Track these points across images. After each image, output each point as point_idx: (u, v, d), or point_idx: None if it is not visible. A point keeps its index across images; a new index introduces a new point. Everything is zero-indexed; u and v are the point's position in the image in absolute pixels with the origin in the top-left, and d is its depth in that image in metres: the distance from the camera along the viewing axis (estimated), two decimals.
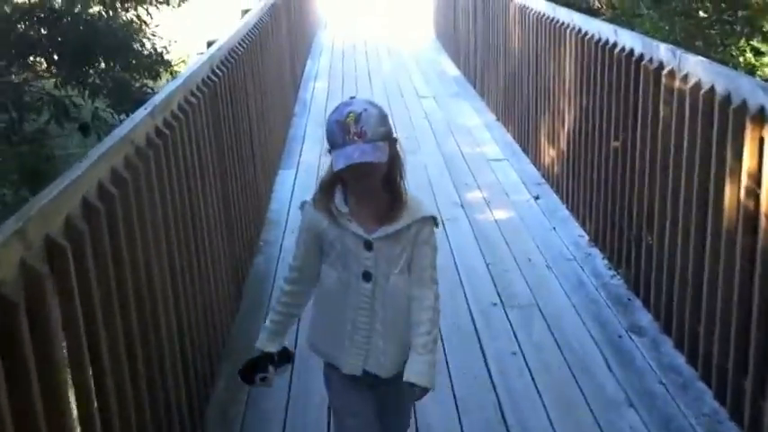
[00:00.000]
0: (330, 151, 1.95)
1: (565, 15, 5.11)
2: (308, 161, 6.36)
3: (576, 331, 3.63)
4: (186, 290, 2.89)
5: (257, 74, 5.23)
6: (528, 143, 6.28)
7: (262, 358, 2.18)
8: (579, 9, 6.24)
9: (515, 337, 3.61)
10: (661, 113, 3.49)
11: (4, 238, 1.49)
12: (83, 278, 1.83)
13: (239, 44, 4.83)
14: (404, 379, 2.01)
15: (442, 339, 3.55)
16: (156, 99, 2.98)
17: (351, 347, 2.08)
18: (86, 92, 5.00)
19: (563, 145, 5.26)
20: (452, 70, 10.07)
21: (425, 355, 2.03)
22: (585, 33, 4.61)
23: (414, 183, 5.80)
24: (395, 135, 2.02)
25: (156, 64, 5.59)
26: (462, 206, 5.32)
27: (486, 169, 6.08)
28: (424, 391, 2.04)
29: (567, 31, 4.95)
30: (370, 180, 1.97)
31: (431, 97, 8.64)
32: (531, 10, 5.96)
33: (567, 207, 5.15)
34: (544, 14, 5.59)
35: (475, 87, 8.79)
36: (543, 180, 5.73)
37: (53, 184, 1.83)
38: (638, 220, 3.85)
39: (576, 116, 4.87)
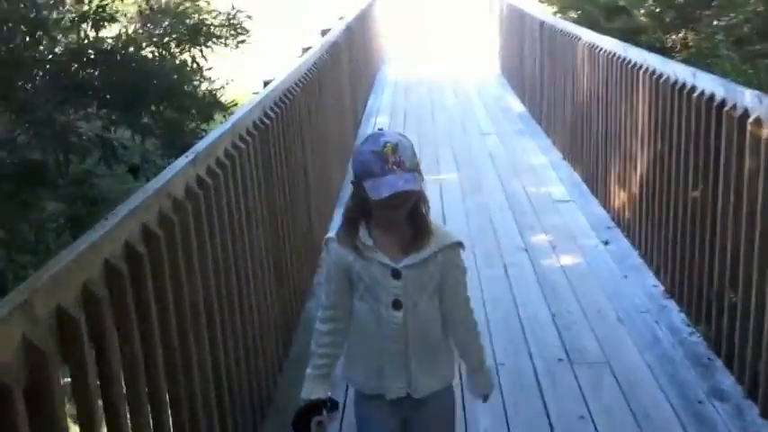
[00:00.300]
0: (359, 182, 1.97)
1: (637, 55, 4.84)
2: None
3: (652, 394, 3.32)
4: (227, 342, 2.73)
5: (314, 113, 5.10)
6: (596, 184, 5.98)
7: (313, 405, 2.13)
8: (651, 48, 5.96)
9: (584, 398, 3.32)
10: (746, 165, 3.19)
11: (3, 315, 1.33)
12: (102, 358, 1.67)
13: (296, 84, 4.71)
14: (471, 392, 2.32)
15: (502, 397, 3.31)
16: (201, 145, 2.85)
17: (392, 373, 2.10)
18: (138, 134, 4.97)
19: (635, 189, 4.95)
20: (517, 106, 9.83)
21: (483, 369, 2.28)
22: (660, 75, 4.33)
23: (475, 225, 5.62)
24: (420, 169, 2.04)
25: (210, 106, 5.53)
26: (526, 250, 5.06)
27: (552, 211, 5.80)
28: (489, 396, 2.33)
29: (640, 73, 4.68)
30: (402, 210, 2.00)
31: (494, 134, 8.41)
32: (601, 49, 5.70)
33: (640, 254, 4.83)
34: (615, 54, 5.33)
35: (540, 125, 8.53)
36: (613, 224, 5.42)
37: (70, 246, 1.68)
38: (719, 275, 3.53)
39: (650, 160, 4.57)
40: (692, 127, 3.84)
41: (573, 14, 9.27)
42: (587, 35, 6.29)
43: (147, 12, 5.74)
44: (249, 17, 6.66)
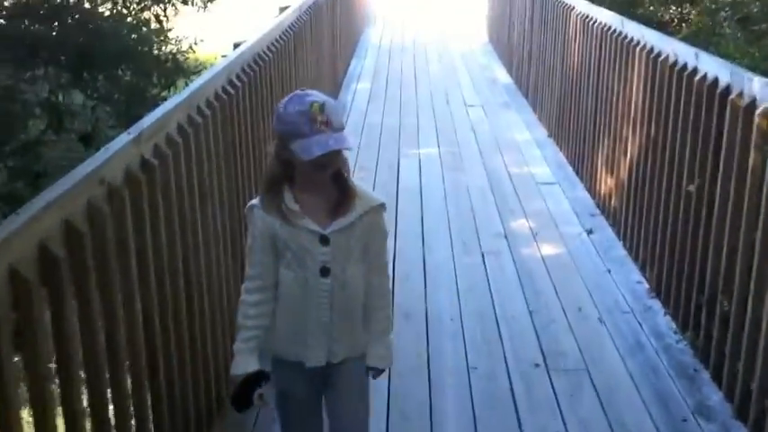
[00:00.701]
0: (285, 143, 1.92)
1: (635, 31, 4.52)
2: None
3: (633, 408, 3.08)
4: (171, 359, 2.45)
5: (288, 80, 4.76)
6: (582, 166, 5.71)
7: (250, 378, 2.06)
8: (647, 22, 5.64)
9: (560, 410, 3.07)
10: (751, 160, 2.92)
11: None
12: None
13: (268, 48, 4.36)
14: (367, 364, 2.14)
15: (472, 406, 3.07)
16: (147, 120, 2.52)
17: (313, 342, 2.06)
18: (91, 99, 4.56)
19: (623, 174, 4.68)
20: (504, 77, 9.49)
21: (385, 339, 2.16)
22: (659, 54, 4.03)
23: (454, 206, 5.31)
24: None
25: (171, 71, 5.05)
26: (506, 237, 4.79)
27: (535, 194, 5.53)
28: (382, 371, 2.20)
29: (637, 50, 4.37)
30: (329, 170, 1.96)
31: (479, 106, 8.09)
32: (596, 21, 5.38)
33: (625, 246, 4.58)
34: (610, 27, 5.01)
35: (527, 98, 8.21)
36: (598, 211, 5.16)
37: None
38: (712, 279, 3.28)
39: (642, 145, 4.29)
40: (692, 113, 3.56)
41: None
42: (581, 5, 5.96)
43: None
44: None
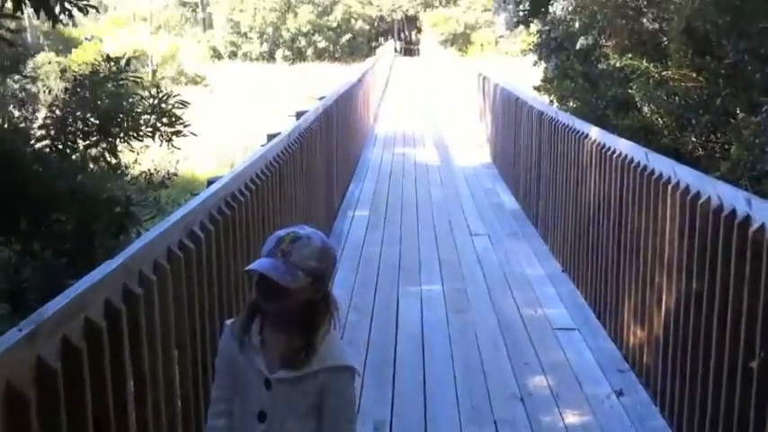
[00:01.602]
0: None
1: (664, 166, 3.99)
2: None
3: None
4: None
5: (268, 221, 4.19)
6: (605, 311, 5.06)
7: None
8: (667, 152, 5.15)
9: None
10: None
11: None
12: None
13: (246, 186, 3.82)
14: None
15: None
16: (47, 310, 1.89)
17: None
18: (16, 256, 3.96)
19: (658, 327, 4.03)
20: (510, 202, 8.99)
21: None
22: (697, 195, 3.47)
23: (461, 359, 4.55)
24: (329, 285, 1.94)
25: (119, 216, 4.45)
26: (522, 400, 4.09)
27: (553, 343, 4.86)
28: None
29: (669, 188, 3.82)
30: (276, 305, 1.88)
31: (485, 235, 7.52)
32: (615, 152, 4.87)
33: (663, 413, 3.88)
34: (632, 160, 4.49)
35: (536, 226, 7.66)
36: (626, 365, 4.48)
37: None
38: None
39: (680, 297, 3.66)
40: (747, 268, 2.96)
41: (571, 104, 8.53)
42: (596, 133, 5.48)
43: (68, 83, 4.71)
44: (184, 104, 5.54)
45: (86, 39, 41.04)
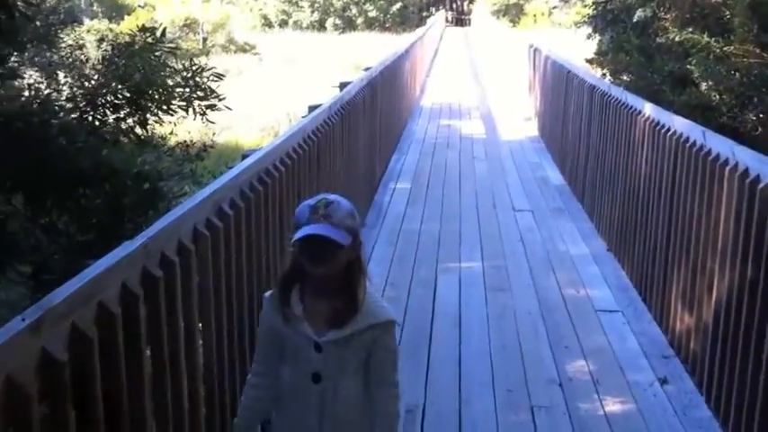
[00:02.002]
0: (292, 235, 1.94)
1: (723, 147, 3.76)
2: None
3: None
4: None
5: (305, 195, 4.10)
6: (651, 293, 4.87)
7: None
8: (723, 129, 4.89)
9: None
10: None
11: None
12: None
13: (281, 160, 3.72)
14: None
15: None
16: (95, 269, 1.83)
17: None
18: (43, 231, 3.88)
19: (707, 314, 3.84)
20: (556, 178, 8.75)
21: None
22: (757, 179, 3.25)
23: (498, 341, 4.40)
24: (360, 239, 2.01)
25: (146, 196, 4.27)
26: (561, 385, 3.95)
27: (595, 326, 4.69)
28: None
29: (726, 170, 3.61)
30: (327, 268, 1.94)
31: (528, 211, 7.33)
32: (669, 130, 4.64)
33: (709, 404, 3.71)
34: (687, 139, 4.26)
35: (582, 203, 7.44)
36: (672, 352, 4.30)
37: None
38: None
39: (735, 285, 3.47)
40: None
41: (625, 78, 8.22)
42: (650, 110, 5.23)
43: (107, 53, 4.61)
44: (219, 76, 5.36)
45: (139, 6, 41.36)
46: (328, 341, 1.99)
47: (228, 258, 2.77)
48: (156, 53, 4.84)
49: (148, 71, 4.50)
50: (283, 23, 50.86)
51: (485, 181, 8.56)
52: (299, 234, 1.90)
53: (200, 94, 4.94)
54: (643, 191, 5.20)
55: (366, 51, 32.05)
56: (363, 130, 6.69)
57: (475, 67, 23.58)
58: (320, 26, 50.47)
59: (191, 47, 31.96)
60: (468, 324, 4.71)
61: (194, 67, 5.14)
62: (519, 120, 13.12)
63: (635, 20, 6.26)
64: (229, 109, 5.51)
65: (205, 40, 32.65)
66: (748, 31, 4.43)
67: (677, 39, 5.44)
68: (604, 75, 9.87)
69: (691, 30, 5.13)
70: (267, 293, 2.11)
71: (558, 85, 9.69)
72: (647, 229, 5.06)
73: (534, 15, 46.56)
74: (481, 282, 5.43)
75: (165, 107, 4.61)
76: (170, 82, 4.74)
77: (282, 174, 3.61)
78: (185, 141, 5.40)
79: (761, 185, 3.22)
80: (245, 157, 3.72)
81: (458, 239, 6.37)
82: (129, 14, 36.25)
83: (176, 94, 4.69)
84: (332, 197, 1.99)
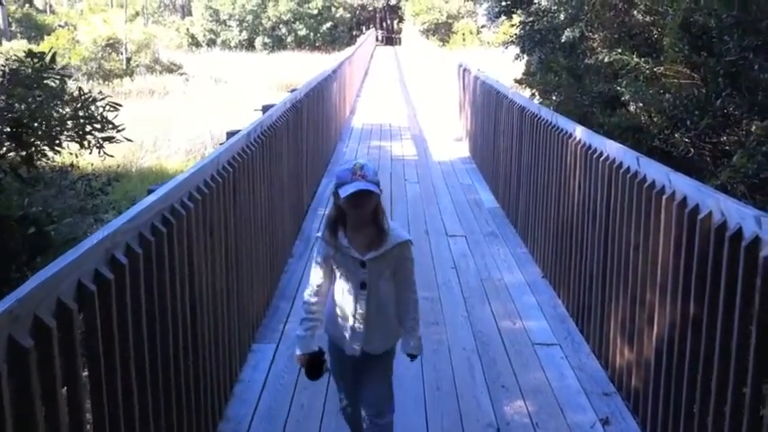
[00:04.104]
0: (337, 191, 2.80)
1: (658, 174, 3.60)
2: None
3: None
4: None
5: (218, 229, 3.76)
6: (589, 324, 4.69)
7: (315, 356, 2.97)
8: (652, 151, 4.76)
9: None
10: None
11: None
12: None
13: (198, 190, 3.39)
14: (403, 351, 3.05)
15: None
16: None
17: (352, 336, 2.95)
18: None
19: (648, 349, 3.66)
20: (489, 200, 8.60)
21: (415, 334, 3.03)
22: (696, 209, 3.09)
23: (431, 383, 4.01)
24: (381, 188, 2.84)
25: (34, 244, 3.72)
26: (498, 430, 3.70)
27: (533, 361, 4.48)
28: (416, 356, 3.08)
29: (663, 199, 3.44)
30: (365, 209, 2.82)
31: (461, 237, 7.13)
32: (602, 155, 4.48)
33: None
34: (622, 164, 4.10)
35: (516, 227, 7.28)
36: (612, 388, 4.12)
37: None
38: None
39: (677, 319, 3.29)
40: (756, 296, 2.59)
41: (554, 98, 8.13)
42: (581, 133, 5.09)
43: None
44: (115, 106, 4.84)
45: (60, 26, 40.09)
46: (370, 258, 2.85)
47: (123, 321, 2.42)
48: (46, 80, 4.38)
49: (32, 102, 4.05)
50: (211, 43, 50.16)
51: (417, 205, 8.34)
52: (351, 188, 2.73)
53: (97, 125, 4.51)
54: (577, 217, 5.04)
55: (295, 71, 31.78)
56: (288, 155, 6.37)
57: (405, 87, 23.54)
58: (249, 45, 49.96)
59: (114, 67, 31.11)
60: (400, 361, 4.42)
61: (85, 97, 4.67)
62: (450, 140, 13.02)
63: (563, 40, 6.16)
64: (129, 140, 5.08)
65: (129, 60, 31.79)
66: (679, 51, 4.32)
67: (606, 59, 5.32)
68: (533, 95, 9.82)
69: (620, 50, 5.01)
70: (318, 233, 2.96)
71: (489, 106, 9.59)
72: (582, 256, 4.90)
73: (463, 34, 47.11)
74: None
75: (53, 142, 4.15)
76: (58, 113, 4.29)
77: (191, 211, 3.28)
78: (88, 174, 4.93)
79: (701, 216, 3.06)
80: (150, 192, 3.38)
81: None
82: (49, 34, 35.11)
83: (67, 127, 4.24)
84: (361, 161, 2.82)
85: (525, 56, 8.75)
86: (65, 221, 4.16)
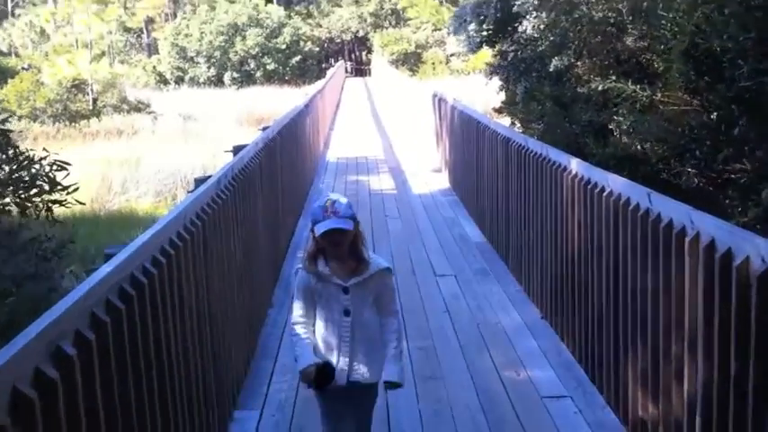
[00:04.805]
0: (313, 229, 2.93)
1: (676, 213, 3.24)
2: (281, 395, 4.38)
3: None
4: None
5: (194, 288, 3.34)
6: (601, 373, 4.30)
7: (321, 368, 2.95)
8: (666, 183, 4.44)
9: None
10: None
11: None
12: None
13: (163, 251, 2.97)
14: (384, 379, 3.02)
15: None
16: None
17: (339, 365, 2.96)
18: None
19: (678, 406, 3.28)
20: (475, 234, 8.24)
21: (398, 362, 3.05)
22: (729, 254, 2.73)
23: None
24: (357, 219, 2.99)
25: None
26: None
27: (544, 418, 4.07)
28: (398, 386, 3.06)
29: (687, 241, 3.08)
30: (341, 245, 2.92)
31: (451, 276, 6.74)
32: (604, 190, 4.13)
33: None
34: (630, 201, 3.74)
35: (507, 263, 6.91)
36: None
37: None
38: None
39: (713, 378, 2.91)
40: None
41: (538, 127, 7.83)
42: (577, 166, 4.75)
43: None
44: (64, 165, 4.33)
45: (23, 68, 39.43)
46: (353, 284, 2.92)
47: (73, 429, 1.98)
48: None
49: None
50: (179, 80, 49.72)
51: (400, 242, 7.95)
52: (323, 228, 2.85)
53: (45, 187, 4.05)
54: (579, 256, 4.68)
55: (266, 105, 31.44)
56: (263, 198, 5.96)
57: (378, 118, 23.27)
58: (218, 81, 49.58)
59: (80, 108, 30.54)
60: (398, 427, 4.01)
61: (24, 156, 4.16)
62: (428, 172, 12.69)
63: (550, 69, 5.87)
64: (82, 203, 4.62)
65: (95, 100, 31.25)
66: (681, 76, 4.01)
67: (599, 88, 5.00)
68: (513, 124, 9.53)
69: (614, 78, 4.70)
70: (298, 266, 3.02)
71: (469, 136, 9.26)
72: (587, 298, 4.52)
73: (433, 63, 47.17)
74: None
75: None
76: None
77: (155, 276, 2.85)
78: (39, 236, 4.44)
79: (736, 263, 2.69)
80: (108, 257, 2.95)
81: None
82: (12, 77, 34.44)
83: (6, 191, 3.79)
84: (333, 196, 2.93)
85: (510, 86, 8.43)
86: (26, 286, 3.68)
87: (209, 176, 4.70)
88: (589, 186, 4.42)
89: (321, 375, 2.93)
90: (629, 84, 4.70)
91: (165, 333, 2.90)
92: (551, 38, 6.22)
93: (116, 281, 2.51)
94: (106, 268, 2.51)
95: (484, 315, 5.69)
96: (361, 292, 2.93)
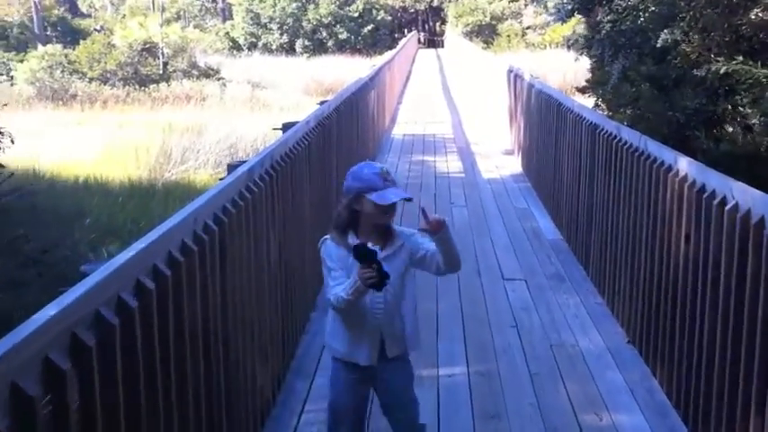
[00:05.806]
0: (360, 196, 2.74)
1: None
2: (312, 429, 3.68)
3: None
4: None
5: (212, 298, 2.66)
6: (707, 425, 3.46)
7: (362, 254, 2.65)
8: None
9: None
10: None
11: None
12: None
13: (185, 247, 2.29)
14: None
15: None
16: None
17: (368, 343, 2.84)
18: None
19: None
20: (549, 229, 7.38)
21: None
22: None
23: None
24: None
25: None
26: None
27: None
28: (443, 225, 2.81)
29: None
30: (392, 215, 2.81)
31: (521, 280, 5.92)
32: (727, 203, 3.25)
33: None
34: (764, 224, 2.88)
35: (586, 267, 6.06)
36: None
37: None
38: None
39: None
40: None
41: (628, 112, 6.88)
42: (687, 167, 3.87)
43: None
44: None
45: (95, 29, 39.67)
46: (385, 255, 2.77)
47: None
48: None
49: None
50: (252, 46, 49.46)
51: (466, 236, 7.12)
52: (392, 197, 2.72)
53: None
54: (683, 275, 3.82)
55: (335, 75, 30.79)
56: (311, 190, 5.24)
57: (449, 93, 22.35)
58: (290, 48, 49.14)
59: (151, 72, 30.46)
60: None
61: None
62: (499, 153, 11.83)
63: (658, 44, 4.95)
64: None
65: (166, 64, 31.11)
66: None
67: (722, 70, 4.09)
68: (597, 105, 8.55)
69: (741, 59, 3.80)
70: (326, 237, 2.86)
71: (547, 119, 8.35)
72: (692, 328, 3.67)
73: (508, 36, 45.65)
74: (467, 401, 3.98)
75: None
76: None
77: (163, 283, 2.17)
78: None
79: None
80: (83, 275, 2.27)
81: (434, 328, 4.92)
82: (84, 39, 34.63)
83: None
84: (382, 165, 2.89)
85: (605, 63, 7.42)
86: None
87: (243, 162, 4.01)
88: (704, 195, 3.55)
89: (374, 271, 2.59)
90: (759, 66, 3.79)
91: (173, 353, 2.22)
92: (652, 8, 5.28)
93: (110, 295, 1.84)
94: (106, 271, 1.85)
95: (559, 334, 4.87)
96: (393, 260, 2.79)
